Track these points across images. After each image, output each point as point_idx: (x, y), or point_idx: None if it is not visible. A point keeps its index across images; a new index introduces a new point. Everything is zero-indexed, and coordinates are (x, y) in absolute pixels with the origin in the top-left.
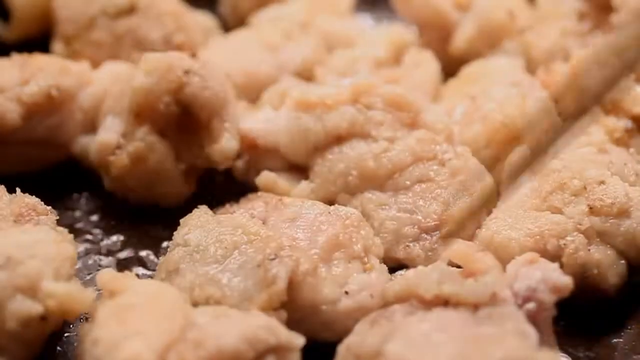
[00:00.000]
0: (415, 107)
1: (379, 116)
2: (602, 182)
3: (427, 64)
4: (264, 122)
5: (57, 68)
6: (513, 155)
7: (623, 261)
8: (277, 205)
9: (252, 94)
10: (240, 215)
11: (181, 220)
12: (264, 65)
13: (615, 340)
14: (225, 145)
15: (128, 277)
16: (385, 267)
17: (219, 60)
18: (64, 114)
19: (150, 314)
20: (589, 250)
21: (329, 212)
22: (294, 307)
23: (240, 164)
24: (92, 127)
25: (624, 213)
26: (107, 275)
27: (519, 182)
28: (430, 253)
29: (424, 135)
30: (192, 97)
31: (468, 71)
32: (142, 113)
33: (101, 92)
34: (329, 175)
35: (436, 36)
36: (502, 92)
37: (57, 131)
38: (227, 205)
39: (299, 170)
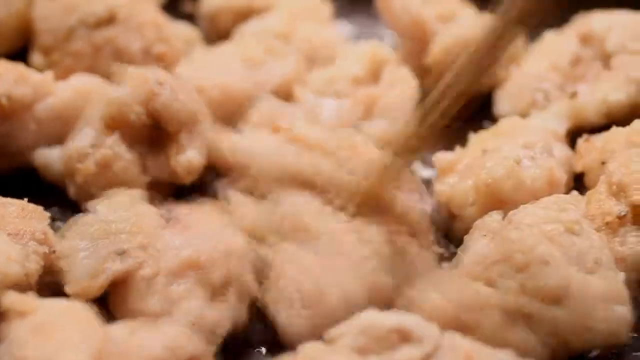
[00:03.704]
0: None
1: (345, 180)
2: (547, 263)
3: (405, 82)
4: (246, 142)
5: (14, 76)
6: (485, 217)
7: (544, 350)
8: (195, 213)
9: (227, 109)
10: (146, 207)
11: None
12: (241, 81)
13: None
14: (189, 158)
15: (33, 298)
16: (242, 308)
17: (197, 75)
18: (15, 124)
19: (70, 330)
20: (506, 331)
21: (221, 233)
22: (122, 308)
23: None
24: (51, 138)
25: (556, 300)
26: (13, 297)
27: (475, 244)
28: None
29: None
30: (162, 108)
31: (502, 124)
32: (113, 123)
33: (61, 104)
34: (271, 214)
35: (415, 48)
36: (510, 152)
37: (8, 140)
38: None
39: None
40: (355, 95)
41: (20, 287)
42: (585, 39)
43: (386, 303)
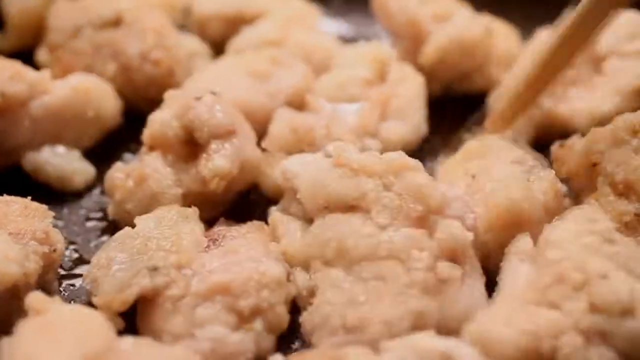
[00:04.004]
0: (432, 208)
1: (389, 199)
2: (605, 277)
3: (412, 79)
4: (299, 165)
5: (9, 73)
6: (516, 242)
7: None
8: (241, 236)
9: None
10: (191, 226)
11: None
12: (256, 94)
13: None
14: (216, 163)
15: (53, 300)
16: (269, 339)
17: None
18: (9, 121)
19: (72, 334)
20: (587, 351)
21: (259, 261)
22: (147, 325)
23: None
24: (47, 136)
25: (627, 312)
26: (36, 296)
27: (516, 270)
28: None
29: (414, 235)
30: (195, 118)
31: (468, 147)
32: (154, 143)
33: (58, 103)
34: (316, 239)
35: (411, 47)
36: (504, 171)
37: (3, 137)
38: (221, 220)
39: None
40: (371, 97)
41: (20, 286)
42: None
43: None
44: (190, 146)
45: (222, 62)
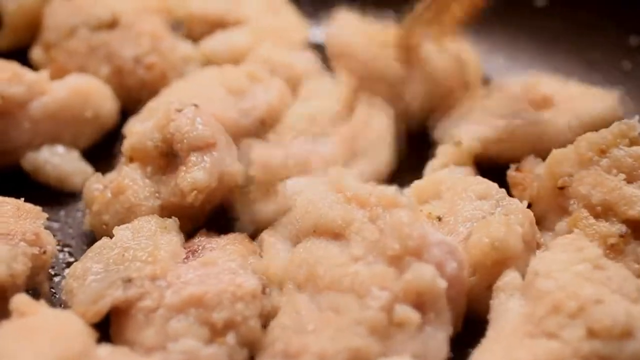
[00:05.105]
0: (409, 249)
1: (369, 232)
2: (600, 301)
3: (380, 114)
4: (302, 185)
5: (7, 75)
6: (503, 278)
7: None
8: (220, 248)
9: None
10: (170, 237)
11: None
12: (228, 110)
13: None
14: (194, 176)
15: (40, 303)
16: (241, 353)
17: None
18: (9, 122)
19: (50, 337)
20: None
21: (235, 273)
22: (120, 336)
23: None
24: (46, 137)
25: (627, 334)
26: (21, 298)
27: (507, 305)
28: None
29: (381, 273)
30: (175, 131)
31: (416, 188)
32: (134, 154)
33: (55, 103)
34: (294, 261)
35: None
36: (473, 209)
37: (2, 138)
38: (202, 232)
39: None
40: (340, 133)
41: (6, 287)
42: None
43: None
44: (169, 158)
45: (199, 74)
